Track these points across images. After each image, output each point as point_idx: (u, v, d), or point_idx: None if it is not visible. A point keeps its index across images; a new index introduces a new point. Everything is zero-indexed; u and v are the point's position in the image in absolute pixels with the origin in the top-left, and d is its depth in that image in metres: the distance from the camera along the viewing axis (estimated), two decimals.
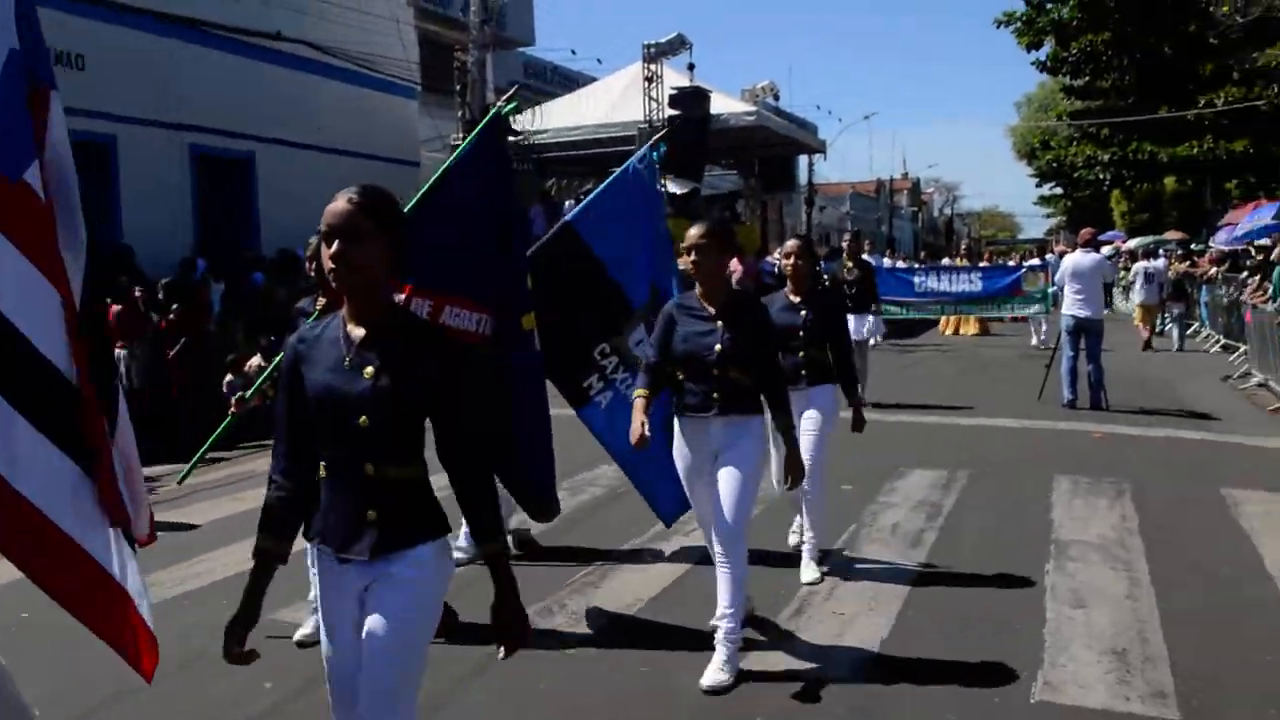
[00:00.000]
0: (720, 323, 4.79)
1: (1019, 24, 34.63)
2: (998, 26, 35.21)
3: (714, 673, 4.62)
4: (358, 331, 2.84)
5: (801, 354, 6.14)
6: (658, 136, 6.85)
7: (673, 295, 5.94)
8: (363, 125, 21.40)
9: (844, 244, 13.50)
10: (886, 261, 27.40)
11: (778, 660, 4.96)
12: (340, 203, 2.79)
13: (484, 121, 5.84)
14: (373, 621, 2.83)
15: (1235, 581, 6.01)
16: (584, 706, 4.50)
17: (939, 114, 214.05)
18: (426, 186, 5.57)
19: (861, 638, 5.21)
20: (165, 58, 17.23)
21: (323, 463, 2.88)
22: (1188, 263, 25.93)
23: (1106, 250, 26.84)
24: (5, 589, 6.44)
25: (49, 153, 2.71)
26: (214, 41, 18.12)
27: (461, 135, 22.02)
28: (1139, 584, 5.95)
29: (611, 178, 6.50)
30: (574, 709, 4.48)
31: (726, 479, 4.74)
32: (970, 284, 19.91)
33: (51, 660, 5.19)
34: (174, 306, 12.40)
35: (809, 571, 6.10)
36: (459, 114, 22.42)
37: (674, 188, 25.54)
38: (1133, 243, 34.71)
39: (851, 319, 11.01)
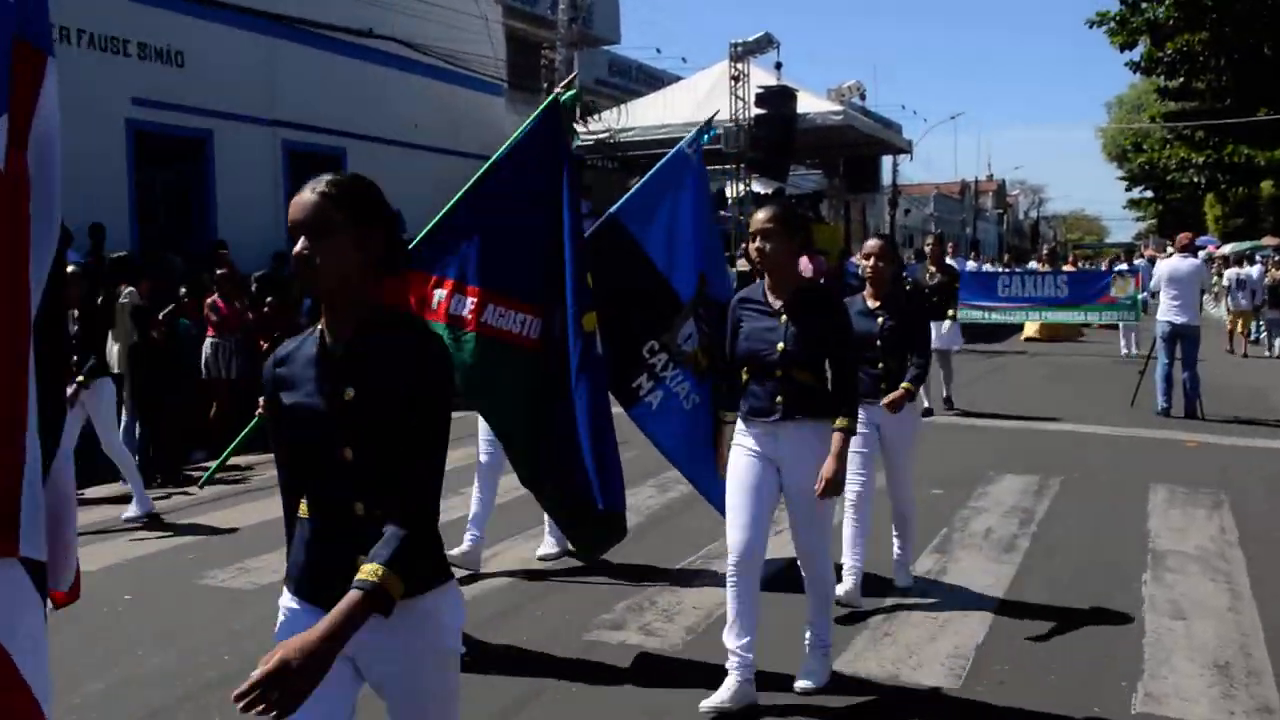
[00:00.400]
0: (785, 318, 4.40)
1: (1112, 24, 33.97)
2: (1090, 27, 34.57)
3: (802, 678, 4.61)
4: (337, 346, 2.42)
5: (880, 365, 5.63)
6: (707, 120, 6.39)
7: (724, 288, 5.82)
8: (451, 122, 21.63)
9: (927, 246, 12.95)
10: (971, 264, 27.08)
11: (871, 662, 4.93)
12: (305, 193, 2.36)
13: (540, 109, 5.45)
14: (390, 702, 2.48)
15: None
16: (678, 704, 4.50)
17: (1026, 115, 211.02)
18: (476, 176, 5.28)
19: (956, 642, 5.17)
20: (261, 54, 17.58)
21: (304, 500, 2.46)
22: None
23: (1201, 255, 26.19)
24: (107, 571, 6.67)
25: (35, 124, 2.22)
26: (307, 38, 18.42)
27: None
28: (1240, 597, 5.83)
29: (659, 164, 6.02)
30: (668, 704, 4.49)
31: (802, 494, 4.37)
32: (1057, 289, 18.96)
33: (150, 641, 5.35)
34: (268, 299, 12.65)
35: (901, 577, 6.01)
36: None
37: (758, 187, 25.51)
38: (1227, 248, 33.91)
39: (932, 326, 10.95)
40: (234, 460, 10.23)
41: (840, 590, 5.32)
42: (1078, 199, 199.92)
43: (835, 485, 4.28)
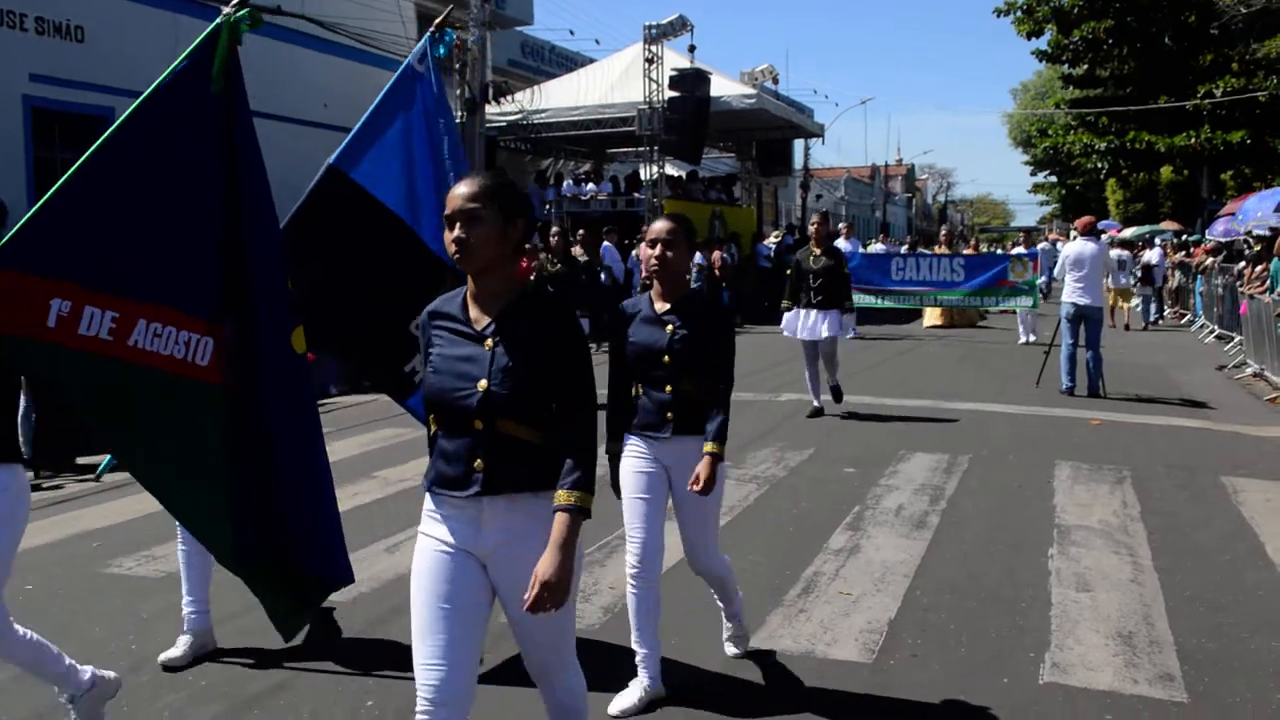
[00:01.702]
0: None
1: (1019, 12, 34.59)
2: (998, 15, 35.18)
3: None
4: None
5: (669, 389, 4.24)
6: (438, 21, 5.05)
7: None
8: (362, 102, 20.96)
9: (812, 226, 11.48)
10: (879, 246, 27.40)
11: (786, 639, 4.98)
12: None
13: (192, 46, 4.07)
14: None
15: (1236, 567, 6.05)
16: (593, 684, 4.49)
17: (936, 100, 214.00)
18: (103, 137, 3.76)
19: (869, 617, 5.24)
20: (165, 30, 17.11)
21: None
22: (1183, 253, 26.05)
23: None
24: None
25: None
26: (212, 15, 17.90)
27: (461, 114, 21.96)
28: (1143, 569, 5.98)
29: (384, 90, 4.72)
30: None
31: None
32: (953, 274, 18.74)
33: (53, 631, 5.21)
34: None
35: (735, 645, 4.86)
36: (457, 92, 22.31)
37: (672, 170, 25.57)
38: (1128, 232, 34.74)
39: (814, 316, 10.66)
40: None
41: (629, 698, 4.27)
42: (985, 183, 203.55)
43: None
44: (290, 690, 4.48)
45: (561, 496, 2.88)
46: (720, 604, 4.77)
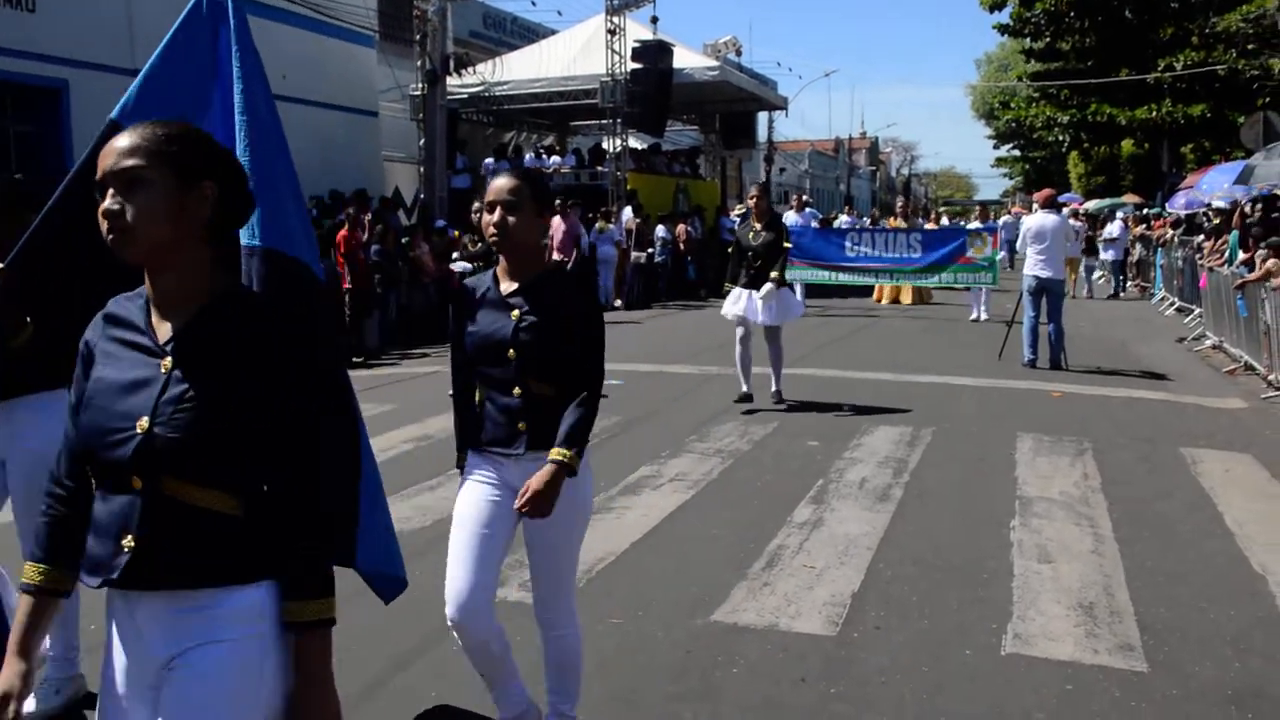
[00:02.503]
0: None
1: None
2: None
3: None
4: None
5: (517, 391, 3.34)
6: None
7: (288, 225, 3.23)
8: (320, 73, 21.03)
9: (750, 200, 10.57)
10: (844, 219, 27.40)
11: (750, 612, 4.97)
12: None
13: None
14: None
15: (1195, 537, 6.10)
16: None
17: (899, 73, 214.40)
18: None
19: (833, 590, 5.24)
20: (117, 1, 16.84)
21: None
22: (1143, 226, 26.26)
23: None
24: None
25: None
26: None
27: (422, 86, 21.77)
28: (1103, 540, 6.02)
29: (171, 32, 3.58)
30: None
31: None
32: (910, 249, 17.95)
33: None
34: None
35: None
36: (418, 64, 22.12)
37: (636, 142, 25.47)
38: (1090, 205, 35.00)
39: (754, 296, 9.71)
40: None
41: None
42: (948, 156, 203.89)
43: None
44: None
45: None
46: (549, 690, 3.61)
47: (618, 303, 20.75)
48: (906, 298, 20.67)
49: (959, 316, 18.36)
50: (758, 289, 9.69)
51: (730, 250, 10.44)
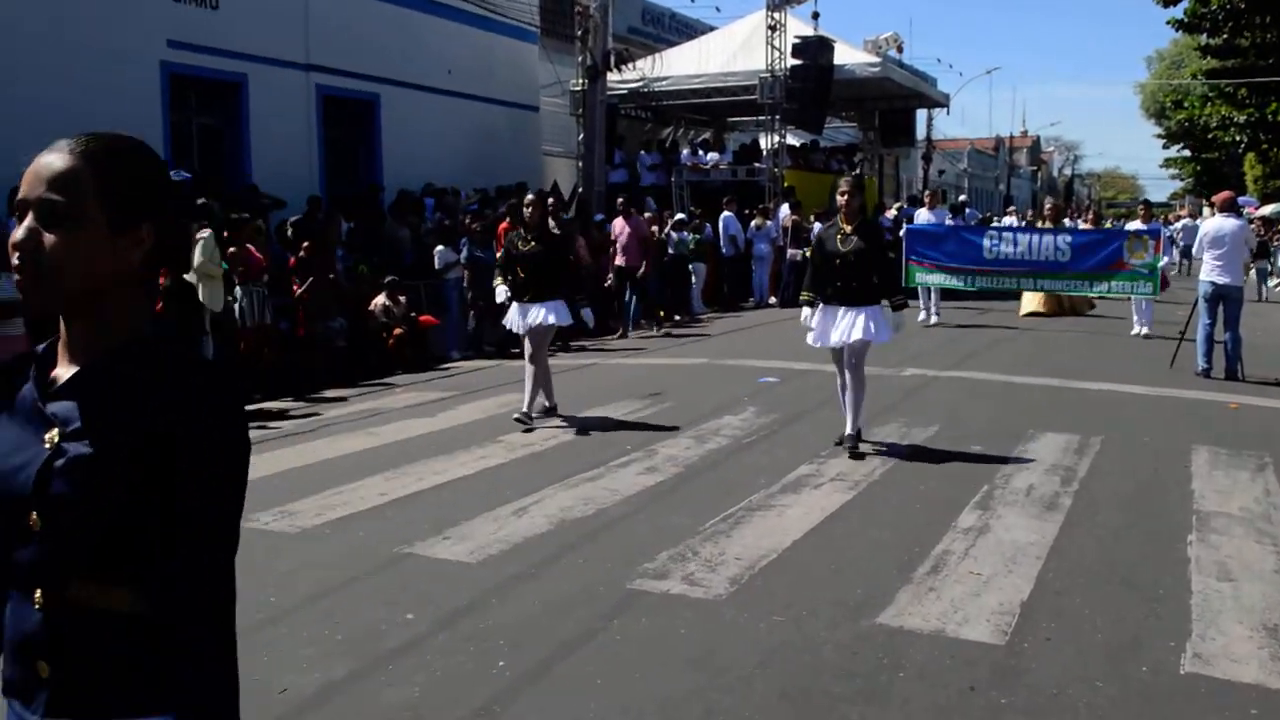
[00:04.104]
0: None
1: None
2: None
3: None
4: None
5: (39, 596, 1.64)
6: None
7: None
8: (484, 69, 21.46)
9: (840, 196, 8.09)
10: (1010, 220, 26.71)
11: (915, 616, 4.91)
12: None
13: None
14: None
15: None
16: (724, 653, 4.50)
17: (1063, 71, 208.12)
18: None
19: (1001, 598, 5.13)
20: None
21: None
22: None
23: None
24: None
25: None
26: None
27: (582, 81, 22.02)
28: None
29: None
30: (713, 653, 4.49)
31: None
32: (1058, 252, 15.85)
33: None
34: (304, 244, 12.65)
35: None
36: (579, 59, 22.39)
37: (792, 139, 25.31)
38: (1267, 209, 33.47)
39: (842, 315, 7.93)
40: (266, 406, 10.35)
41: None
42: (1114, 156, 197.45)
43: None
44: (422, 650, 4.56)
45: None
46: None
47: (773, 300, 20.68)
48: (1043, 305, 17.97)
49: (1119, 330, 16.07)
50: (850, 305, 7.90)
51: (809, 255, 8.49)
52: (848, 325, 7.87)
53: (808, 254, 21.67)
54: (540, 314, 9.05)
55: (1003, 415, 9.58)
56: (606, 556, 5.74)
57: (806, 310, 8.17)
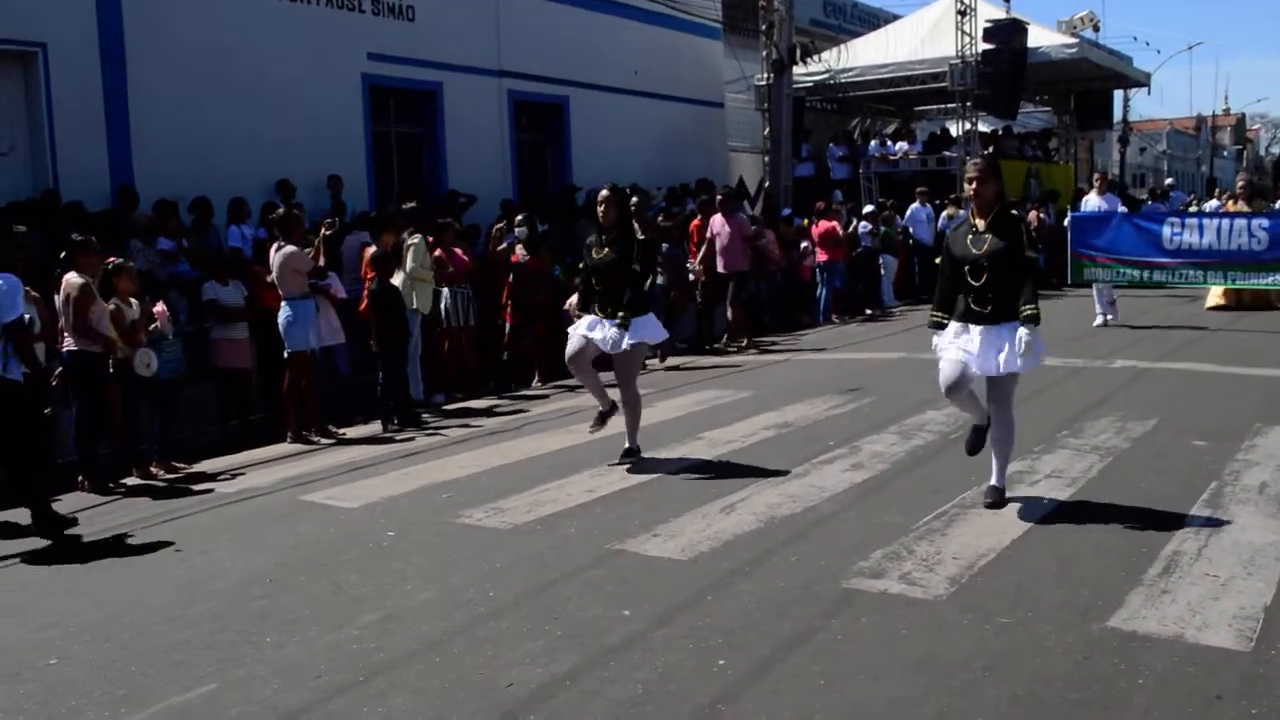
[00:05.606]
0: None
1: None
2: None
3: None
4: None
5: None
6: None
7: None
8: (668, 67, 21.60)
9: (969, 185, 6.28)
10: (1212, 204, 25.37)
11: (1150, 620, 4.68)
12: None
13: None
14: None
15: None
16: (949, 655, 4.39)
17: (1269, 43, 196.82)
18: None
19: (1242, 602, 4.85)
20: (487, 6, 17.87)
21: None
22: None
23: None
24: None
25: None
26: None
27: (768, 76, 21.93)
28: None
29: None
30: (937, 655, 4.38)
31: None
32: (1251, 239, 13.76)
33: (416, 576, 5.55)
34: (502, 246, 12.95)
35: None
36: (763, 54, 22.29)
37: (983, 126, 24.63)
38: None
39: (978, 336, 6.15)
40: (470, 405, 10.63)
41: None
42: None
43: None
44: (642, 646, 4.58)
45: None
46: None
47: None
48: (1225, 298, 15.77)
49: None
50: (990, 323, 6.15)
51: (938, 262, 6.82)
52: (990, 352, 6.14)
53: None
54: (613, 334, 7.59)
55: (1226, 408, 9.07)
56: (819, 554, 5.67)
57: (936, 338, 6.45)
